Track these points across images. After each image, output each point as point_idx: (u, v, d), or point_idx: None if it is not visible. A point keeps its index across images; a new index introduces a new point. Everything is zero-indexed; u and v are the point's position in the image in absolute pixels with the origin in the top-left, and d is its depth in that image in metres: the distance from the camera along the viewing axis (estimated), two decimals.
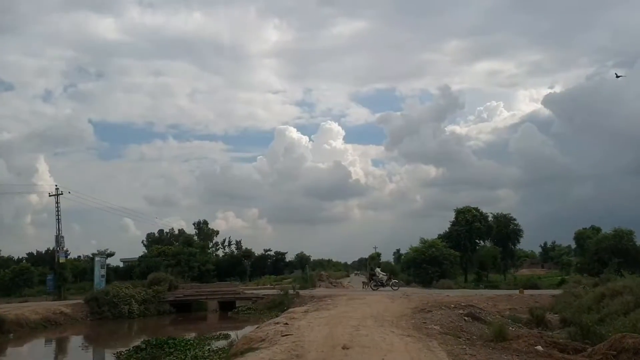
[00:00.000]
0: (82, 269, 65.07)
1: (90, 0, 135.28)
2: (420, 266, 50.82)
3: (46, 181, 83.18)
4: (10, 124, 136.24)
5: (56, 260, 44.21)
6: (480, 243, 64.04)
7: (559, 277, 57.69)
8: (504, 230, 65.97)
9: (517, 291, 30.89)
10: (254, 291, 39.21)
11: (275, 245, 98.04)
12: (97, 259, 43.27)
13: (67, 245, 69.65)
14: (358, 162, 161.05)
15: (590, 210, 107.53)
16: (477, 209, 62.85)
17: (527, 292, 30.30)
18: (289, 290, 33.08)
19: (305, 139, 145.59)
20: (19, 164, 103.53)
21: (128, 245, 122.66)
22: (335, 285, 47.77)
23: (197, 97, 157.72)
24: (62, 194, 44.93)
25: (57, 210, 43.99)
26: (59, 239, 43.36)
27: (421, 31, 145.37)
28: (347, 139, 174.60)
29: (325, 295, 28.22)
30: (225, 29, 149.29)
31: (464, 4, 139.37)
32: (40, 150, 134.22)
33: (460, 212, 61.69)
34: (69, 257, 74.85)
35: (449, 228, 62.12)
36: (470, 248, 60.70)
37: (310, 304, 24.87)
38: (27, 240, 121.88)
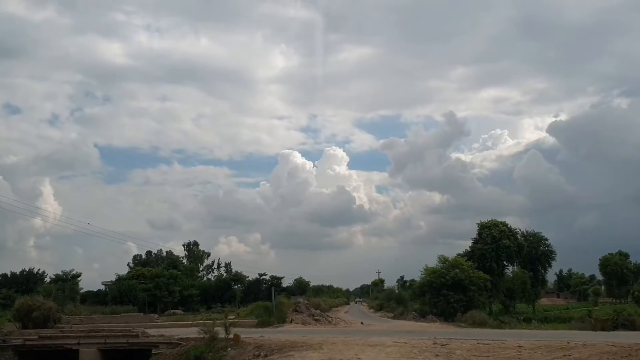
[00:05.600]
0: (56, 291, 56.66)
1: (99, 25, 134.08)
2: (439, 293, 39.12)
3: (51, 205, 76.95)
4: (17, 147, 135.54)
5: None
6: (508, 266, 52.46)
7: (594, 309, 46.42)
8: (534, 252, 54.90)
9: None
10: (169, 331, 23.97)
11: (277, 271, 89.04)
12: None
13: (68, 268, 62.81)
14: (362, 188, 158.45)
15: (597, 238, 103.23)
16: (504, 224, 51.58)
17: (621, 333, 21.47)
18: (218, 332, 18.78)
19: (309, 164, 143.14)
20: (24, 187, 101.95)
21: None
22: (317, 320, 33.73)
23: (203, 122, 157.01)
24: None
25: None
26: None
27: (427, 58, 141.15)
28: (351, 165, 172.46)
29: (285, 346, 16.22)
30: (232, 55, 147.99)
31: (470, 32, 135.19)
32: (45, 174, 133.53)
33: (485, 227, 50.32)
34: (46, 278, 64.47)
35: (470, 246, 50.71)
36: (498, 271, 48.76)
37: None
38: (29, 263, 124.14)
